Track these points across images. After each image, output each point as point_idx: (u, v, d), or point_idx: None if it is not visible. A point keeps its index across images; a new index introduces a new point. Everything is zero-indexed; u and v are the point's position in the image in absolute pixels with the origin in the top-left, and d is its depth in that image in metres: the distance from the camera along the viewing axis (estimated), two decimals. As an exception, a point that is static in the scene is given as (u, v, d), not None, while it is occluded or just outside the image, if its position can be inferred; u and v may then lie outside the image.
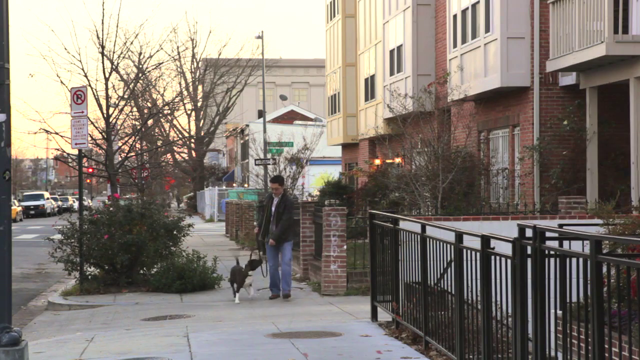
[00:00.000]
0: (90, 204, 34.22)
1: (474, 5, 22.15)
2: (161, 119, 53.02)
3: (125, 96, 32.18)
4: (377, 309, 12.01)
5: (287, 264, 16.06)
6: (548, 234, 6.77)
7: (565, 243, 7.11)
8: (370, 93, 32.65)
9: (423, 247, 9.68)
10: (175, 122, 66.82)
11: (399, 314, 10.91)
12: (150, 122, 37.00)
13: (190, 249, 19.10)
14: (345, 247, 16.54)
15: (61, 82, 28.93)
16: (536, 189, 19.86)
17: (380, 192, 25.79)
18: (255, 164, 40.86)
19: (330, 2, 38.32)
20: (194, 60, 71.46)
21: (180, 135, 65.97)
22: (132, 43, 37.85)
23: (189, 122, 72.11)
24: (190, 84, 70.42)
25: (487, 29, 21.29)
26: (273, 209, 16.03)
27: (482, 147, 23.03)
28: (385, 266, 11.48)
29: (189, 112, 69.61)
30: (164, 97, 49.32)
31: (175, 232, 18.77)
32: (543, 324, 6.69)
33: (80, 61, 28.77)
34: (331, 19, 38.24)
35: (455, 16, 23.36)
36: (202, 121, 72.62)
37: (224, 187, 67.61)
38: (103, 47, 29.16)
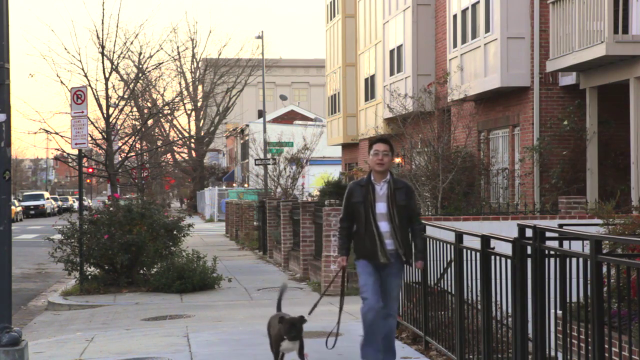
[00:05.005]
0: (90, 204, 34.25)
1: (474, 5, 22.14)
2: (161, 119, 53.03)
3: (125, 96, 32.21)
4: (377, 309, 11.99)
5: (393, 316, 8.66)
6: (548, 234, 6.77)
7: (565, 243, 7.11)
8: (370, 93, 32.65)
9: (423, 247, 9.66)
10: (175, 122, 66.87)
11: (399, 314, 10.90)
12: (150, 122, 37.02)
13: (190, 249, 19.11)
14: (345, 247, 16.49)
15: (61, 82, 29.02)
16: (536, 189, 19.85)
17: (380, 192, 25.74)
18: (255, 164, 40.87)
19: (330, 2, 38.31)
20: (194, 60, 71.50)
21: (180, 135, 65.97)
22: (132, 43, 37.94)
23: (189, 122, 72.22)
24: (190, 84, 70.43)
25: (487, 29, 21.28)
26: (381, 205, 8.44)
27: (482, 147, 23.02)
28: (385, 266, 11.45)
29: (189, 112, 69.64)
30: (164, 97, 49.34)
31: (175, 232, 18.80)
32: (543, 324, 6.69)
33: (80, 61, 28.88)
34: (331, 19, 38.23)
35: (455, 16, 23.35)
36: (202, 121, 72.63)
37: (224, 187, 67.60)
38: (103, 47, 29.19)
